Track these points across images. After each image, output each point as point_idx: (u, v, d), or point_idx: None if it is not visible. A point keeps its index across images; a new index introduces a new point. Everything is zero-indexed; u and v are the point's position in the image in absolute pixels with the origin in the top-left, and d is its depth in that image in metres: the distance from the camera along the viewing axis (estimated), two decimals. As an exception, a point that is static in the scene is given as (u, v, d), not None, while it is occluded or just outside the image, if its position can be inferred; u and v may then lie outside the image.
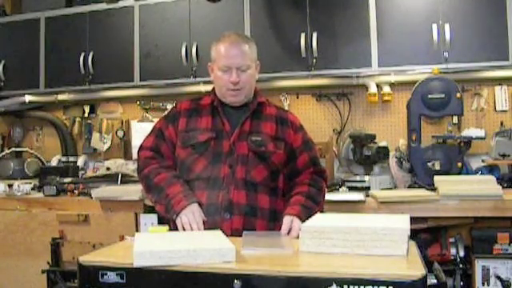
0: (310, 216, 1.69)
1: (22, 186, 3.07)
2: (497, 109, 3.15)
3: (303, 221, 1.67)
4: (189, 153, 1.82)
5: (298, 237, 1.46)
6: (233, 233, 1.66)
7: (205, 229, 1.67)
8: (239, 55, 1.80)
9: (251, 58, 1.84)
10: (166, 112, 2.19)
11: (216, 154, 1.79)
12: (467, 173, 2.85)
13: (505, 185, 2.63)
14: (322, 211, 1.84)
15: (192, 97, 2.00)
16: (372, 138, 2.96)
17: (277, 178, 1.86)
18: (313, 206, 1.80)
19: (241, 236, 1.62)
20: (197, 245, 1.26)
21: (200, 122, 1.85)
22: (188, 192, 1.75)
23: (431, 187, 2.55)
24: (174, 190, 1.75)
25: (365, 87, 3.21)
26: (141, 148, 1.94)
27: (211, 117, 1.85)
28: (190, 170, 1.81)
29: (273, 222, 1.78)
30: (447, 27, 2.80)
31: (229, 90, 1.81)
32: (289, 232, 1.68)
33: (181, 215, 1.69)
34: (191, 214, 1.68)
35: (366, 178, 2.87)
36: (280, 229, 1.70)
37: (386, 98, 3.19)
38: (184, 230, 1.67)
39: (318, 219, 1.47)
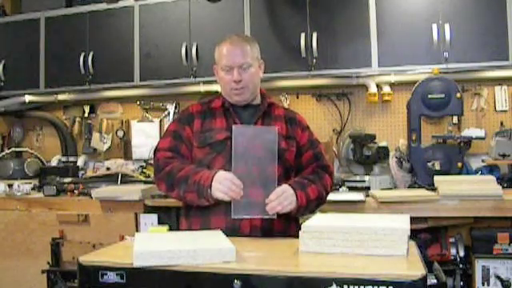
0: (303, 187, 1.75)
1: (22, 186, 3.07)
2: (497, 109, 3.15)
3: (294, 190, 1.71)
4: (206, 152, 1.83)
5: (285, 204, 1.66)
6: (252, 229, 1.71)
7: (224, 227, 1.66)
8: (240, 54, 1.83)
9: (252, 56, 1.86)
10: (177, 116, 2.17)
11: None
12: (467, 173, 2.85)
13: (505, 185, 2.63)
14: (319, 199, 1.83)
15: (198, 98, 2.00)
16: (372, 138, 2.97)
17: (290, 176, 1.87)
18: (306, 182, 1.79)
19: (260, 235, 1.69)
20: (197, 245, 1.27)
21: (215, 123, 1.87)
22: (214, 170, 1.73)
23: (431, 187, 2.55)
24: (201, 174, 1.72)
25: (365, 87, 3.21)
26: (157, 150, 1.91)
27: (225, 118, 1.88)
28: (208, 168, 1.80)
29: (288, 222, 1.80)
30: (447, 27, 2.80)
31: (233, 90, 1.84)
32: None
33: (213, 185, 1.65)
34: (225, 181, 1.64)
35: (366, 177, 2.87)
36: (294, 229, 1.73)
37: (386, 97, 3.19)
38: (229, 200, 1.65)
39: (318, 219, 1.47)
